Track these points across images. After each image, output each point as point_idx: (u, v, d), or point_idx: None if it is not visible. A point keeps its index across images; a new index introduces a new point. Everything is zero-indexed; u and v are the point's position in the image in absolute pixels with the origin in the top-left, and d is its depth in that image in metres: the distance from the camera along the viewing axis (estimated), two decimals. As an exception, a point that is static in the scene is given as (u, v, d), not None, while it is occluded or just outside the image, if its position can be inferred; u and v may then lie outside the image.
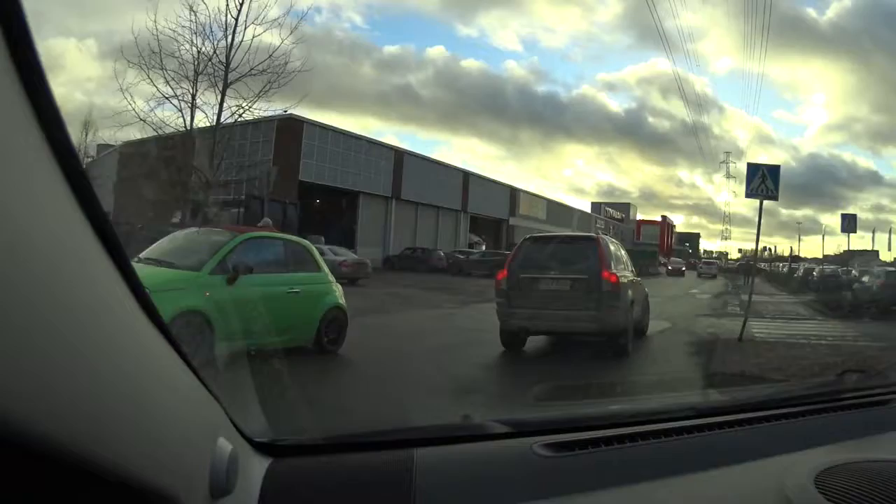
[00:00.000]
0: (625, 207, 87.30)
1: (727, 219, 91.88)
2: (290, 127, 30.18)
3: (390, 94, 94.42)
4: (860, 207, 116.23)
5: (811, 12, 73.92)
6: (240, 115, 20.16)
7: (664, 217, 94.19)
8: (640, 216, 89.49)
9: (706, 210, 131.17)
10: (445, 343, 9.14)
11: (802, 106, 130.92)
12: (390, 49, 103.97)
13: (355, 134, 36.21)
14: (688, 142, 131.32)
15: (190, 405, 0.85)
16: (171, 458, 0.71)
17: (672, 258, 58.18)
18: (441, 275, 28.77)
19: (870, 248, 47.85)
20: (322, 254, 9.18)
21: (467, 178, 45.45)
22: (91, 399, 0.53)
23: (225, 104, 19.85)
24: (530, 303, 7.90)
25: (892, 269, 23.25)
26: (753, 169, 10.35)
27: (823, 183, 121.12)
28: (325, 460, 1.18)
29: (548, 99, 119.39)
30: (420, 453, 1.16)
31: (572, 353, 8.25)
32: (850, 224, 24.71)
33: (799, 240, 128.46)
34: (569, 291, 7.92)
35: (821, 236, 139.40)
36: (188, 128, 20.12)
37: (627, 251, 10.12)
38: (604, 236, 8.96)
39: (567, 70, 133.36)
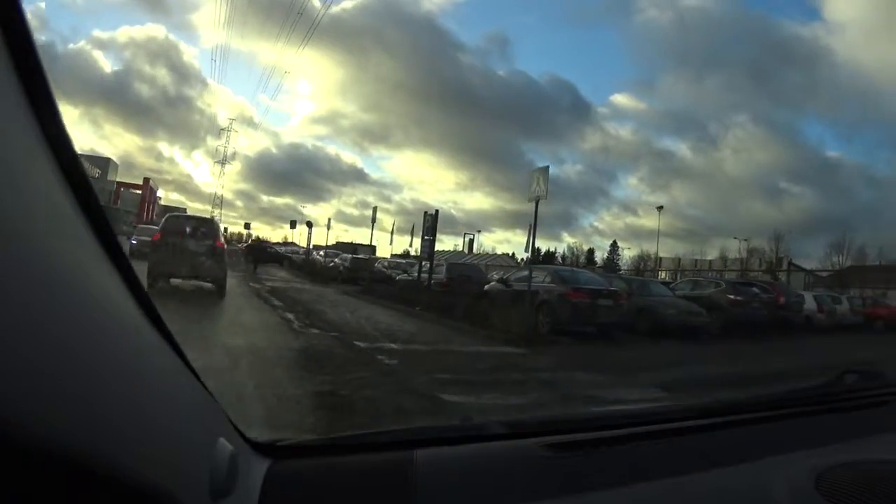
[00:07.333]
0: (104, 163, 68.27)
1: (218, 199, 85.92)
2: None
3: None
4: (345, 202, 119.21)
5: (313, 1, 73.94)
6: None
7: (147, 180, 78.12)
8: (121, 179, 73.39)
9: (185, 187, 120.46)
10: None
11: (288, 94, 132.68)
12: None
13: None
14: (170, 113, 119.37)
15: (189, 406, 0.85)
16: (170, 458, 0.70)
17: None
18: None
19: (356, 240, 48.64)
20: None
21: None
22: (90, 400, 0.53)
23: None
24: (174, 257, 12.15)
25: None
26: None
27: (306, 174, 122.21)
28: (325, 461, 1.16)
29: (44, 51, 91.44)
30: (420, 454, 1.15)
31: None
32: (540, 177, 12.59)
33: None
34: (198, 251, 12.52)
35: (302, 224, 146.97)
36: None
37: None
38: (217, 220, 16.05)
39: (66, 21, 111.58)
